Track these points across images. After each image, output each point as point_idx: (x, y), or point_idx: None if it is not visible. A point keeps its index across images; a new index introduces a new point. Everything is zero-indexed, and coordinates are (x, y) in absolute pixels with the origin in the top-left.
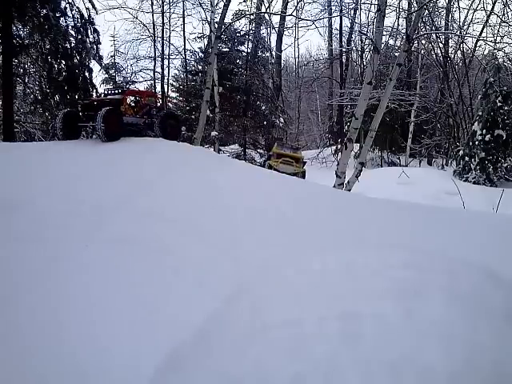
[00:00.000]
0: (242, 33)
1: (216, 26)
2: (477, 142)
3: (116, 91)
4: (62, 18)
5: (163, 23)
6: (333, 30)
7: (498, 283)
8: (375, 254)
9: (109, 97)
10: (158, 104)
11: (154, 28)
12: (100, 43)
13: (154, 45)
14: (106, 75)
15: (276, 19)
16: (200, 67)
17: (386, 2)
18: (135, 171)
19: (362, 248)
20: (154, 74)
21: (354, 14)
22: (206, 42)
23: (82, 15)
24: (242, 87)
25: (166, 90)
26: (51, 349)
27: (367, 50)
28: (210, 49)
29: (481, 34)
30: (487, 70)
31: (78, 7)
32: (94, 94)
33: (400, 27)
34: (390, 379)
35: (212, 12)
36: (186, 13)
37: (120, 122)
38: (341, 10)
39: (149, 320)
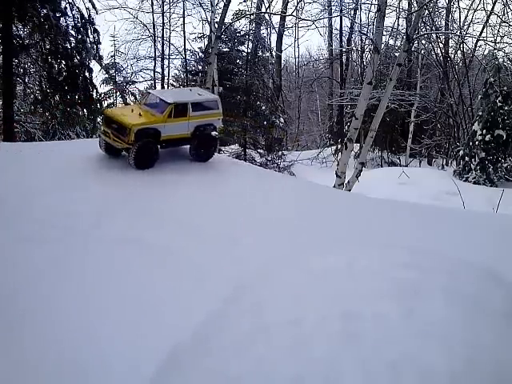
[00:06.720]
0: (242, 33)
1: (216, 25)
2: (477, 142)
3: None
4: (62, 18)
5: (163, 23)
6: (333, 30)
7: (498, 283)
8: (376, 254)
9: None
10: None
11: (154, 28)
12: (100, 43)
13: (154, 45)
14: (106, 75)
15: (276, 19)
16: (200, 67)
17: (386, 2)
18: (135, 171)
19: (363, 248)
20: (154, 74)
21: (354, 13)
22: (206, 42)
23: (82, 15)
24: (242, 87)
25: None
26: (52, 349)
27: (367, 50)
28: (210, 49)
29: (481, 34)
30: (487, 70)
31: (78, 7)
32: (94, 94)
33: (400, 27)
34: (390, 379)
35: (212, 12)
36: (186, 13)
37: None
38: (341, 10)
39: (149, 320)
